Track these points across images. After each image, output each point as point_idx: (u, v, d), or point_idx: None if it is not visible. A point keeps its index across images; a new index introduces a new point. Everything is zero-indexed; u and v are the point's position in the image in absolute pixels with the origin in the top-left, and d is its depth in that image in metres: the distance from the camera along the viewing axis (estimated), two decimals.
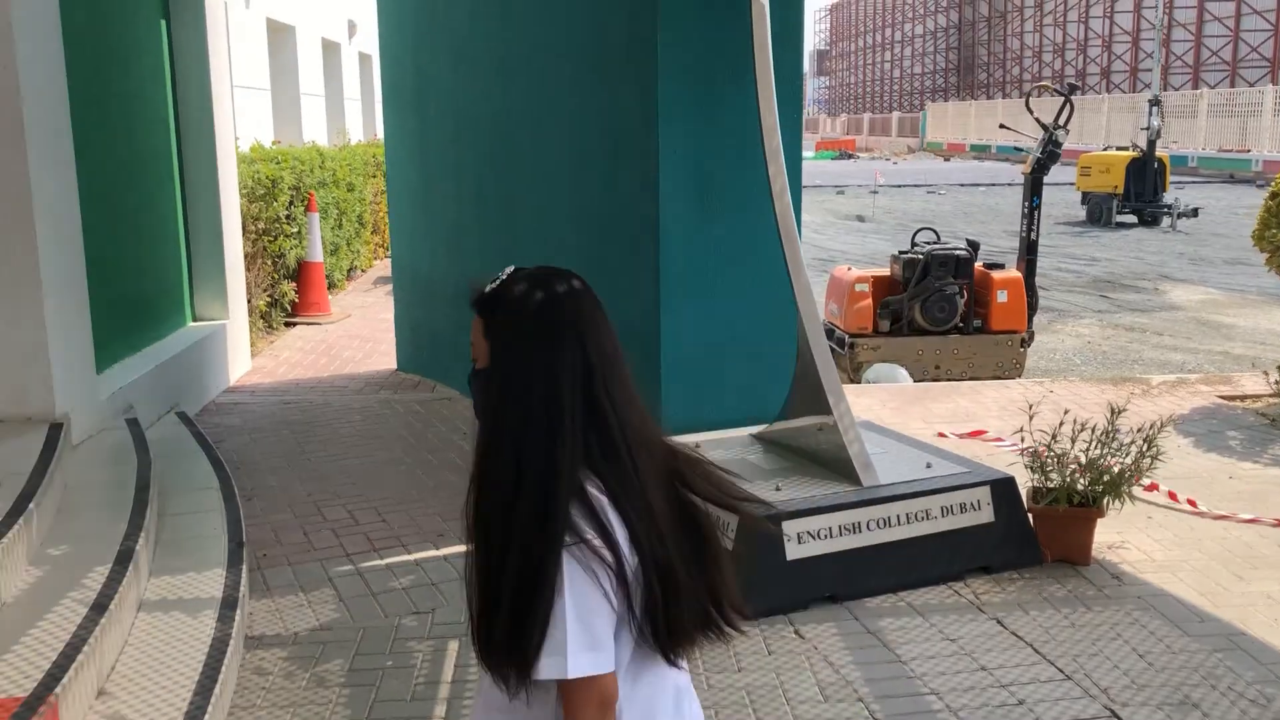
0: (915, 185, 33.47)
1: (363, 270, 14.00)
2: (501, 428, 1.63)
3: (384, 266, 14.82)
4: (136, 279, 6.81)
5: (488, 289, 1.70)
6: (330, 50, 16.98)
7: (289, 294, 10.12)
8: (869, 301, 8.28)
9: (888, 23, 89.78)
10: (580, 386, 1.61)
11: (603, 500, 1.60)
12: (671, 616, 1.62)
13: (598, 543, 1.55)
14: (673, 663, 1.67)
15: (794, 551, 4.08)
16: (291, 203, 9.92)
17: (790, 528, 4.09)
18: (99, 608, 3.47)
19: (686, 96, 5.07)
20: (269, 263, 9.55)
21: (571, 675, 1.53)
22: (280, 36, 14.01)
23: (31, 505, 3.96)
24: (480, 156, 7.01)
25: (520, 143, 6.49)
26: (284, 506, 5.35)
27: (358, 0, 18.90)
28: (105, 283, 5.96)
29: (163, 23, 7.43)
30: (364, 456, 6.16)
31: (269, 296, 9.63)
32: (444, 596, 4.26)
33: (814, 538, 4.13)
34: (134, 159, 6.84)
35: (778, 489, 4.32)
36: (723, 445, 4.92)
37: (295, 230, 10.00)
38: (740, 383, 5.29)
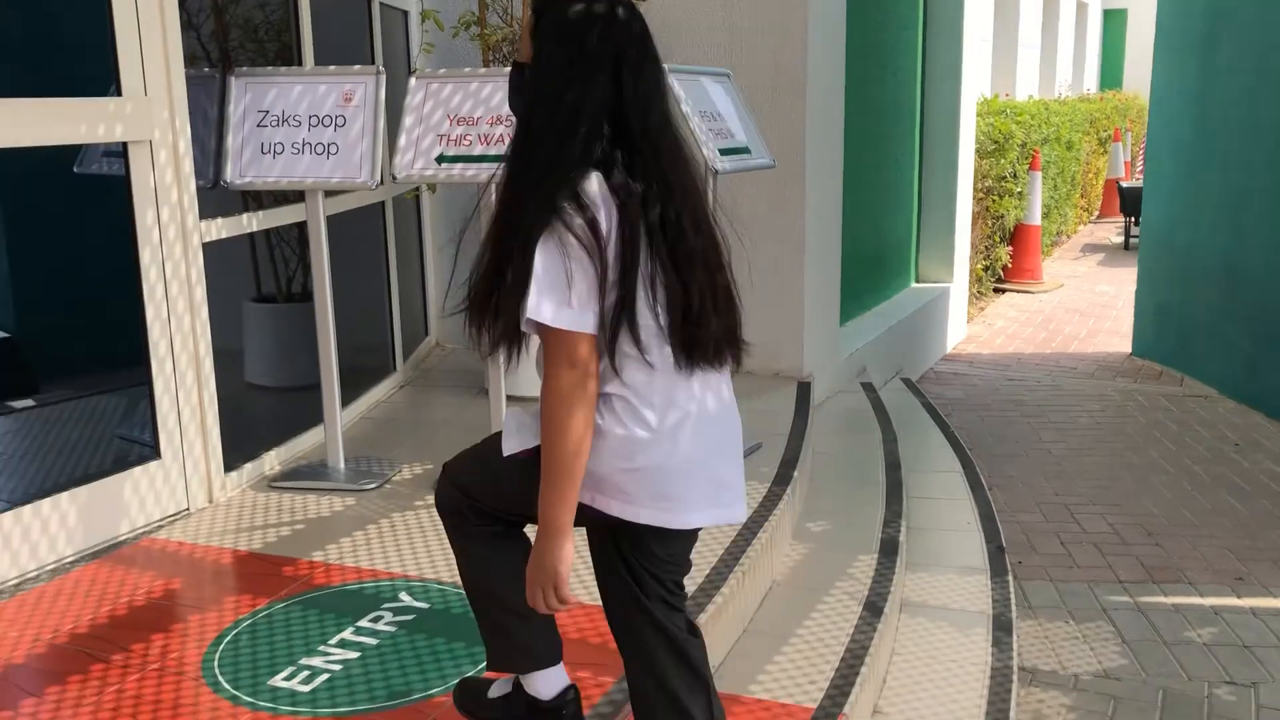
0: None
1: (1068, 236, 12.89)
2: (529, 126, 1.72)
3: (1089, 233, 13.58)
4: (875, 235, 6.56)
5: None
6: (1050, 0, 15.86)
7: (1002, 258, 9.45)
8: None
9: None
10: (608, 103, 1.68)
11: (605, 194, 1.67)
12: (680, 328, 1.70)
13: (579, 221, 1.63)
14: (644, 357, 1.70)
15: None
16: (1015, 160, 9.19)
17: None
18: (873, 608, 3.08)
19: None
20: (988, 224, 8.94)
21: (533, 317, 1.63)
22: None
23: (795, 473, 3.72)
24: None
25: None
26: (1030, 504, 4.71)
27: None
28: (848, 238, 5.73)
29: None
30: (1111, 456, 5.31)
31: (984, 260, 9.03)
32: (1265, 667, 3.32)
33: None
34: (884, 108, 6.56)
35: None
36: None
37: (1017, 190, 9.26)
38: None
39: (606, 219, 1.66)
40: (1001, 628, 3.30)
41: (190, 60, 3.38)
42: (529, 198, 1.66)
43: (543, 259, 1.63)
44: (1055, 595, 3.84)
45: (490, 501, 1.91)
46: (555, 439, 1.65)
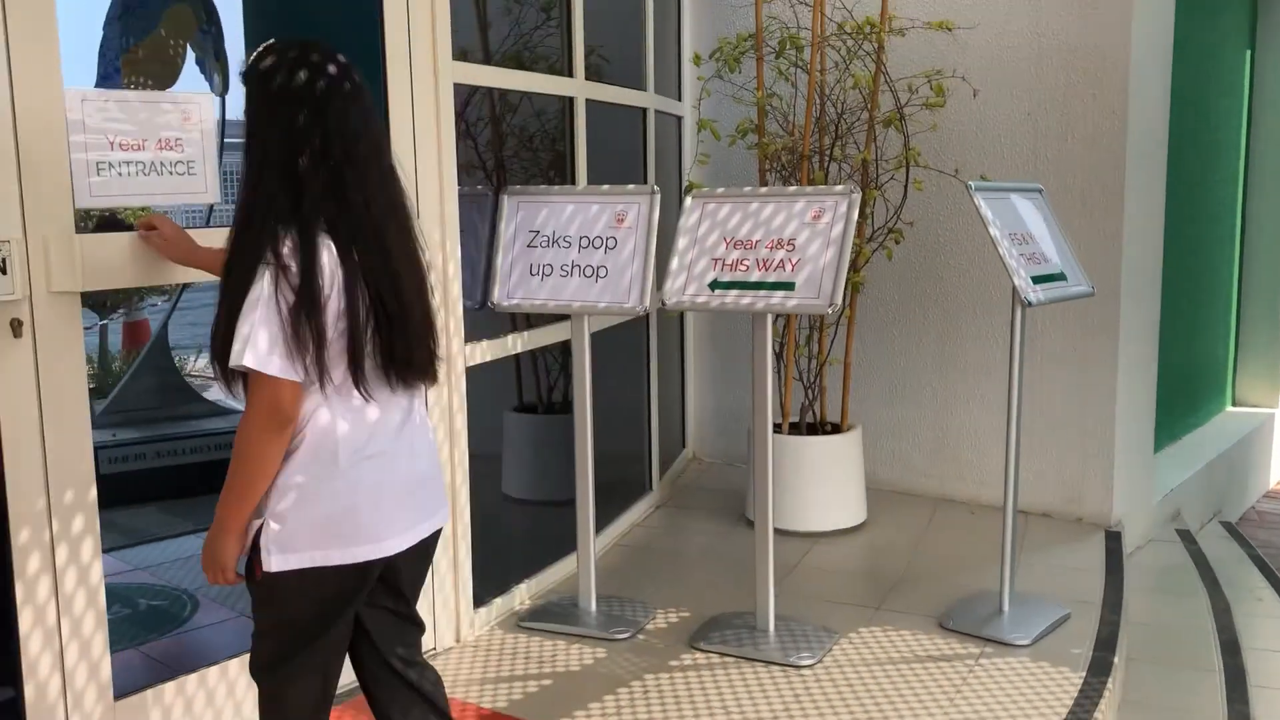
0: None
1: None
2: (247, 176, 1.83)
3: None
4: (1187, 353, 5.80)
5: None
6: None
7: None
8: None
9: None
10: (317, 151, 1.79)
11: (327, 247, 1.78)
12: (396, 358, 1.86)
13: (294, 271, 1.74)
14: (367, 396, 1.86)
15: None
16: None
17: None
18: None
19: None
20: None
21: (238, 362, 1.74)
22: None
23: (1115, 659, 3.14)
24: None
25: None
26: None
27: None
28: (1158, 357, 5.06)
29: (1248, 53, 6.30)
30: None
31: None
32: None
33: None
34: (1200, 208, 5.84)
35: None
36: None
37: None
38: None
39: (329, 277, 1.76)
40: None
41: (465, 170, 3.26)
42: (252, 245, 1.77)
43: (261, 308, 1.73)
44: None
45: (307, 642, 1.93)
46: (251, 467, 1.79)
